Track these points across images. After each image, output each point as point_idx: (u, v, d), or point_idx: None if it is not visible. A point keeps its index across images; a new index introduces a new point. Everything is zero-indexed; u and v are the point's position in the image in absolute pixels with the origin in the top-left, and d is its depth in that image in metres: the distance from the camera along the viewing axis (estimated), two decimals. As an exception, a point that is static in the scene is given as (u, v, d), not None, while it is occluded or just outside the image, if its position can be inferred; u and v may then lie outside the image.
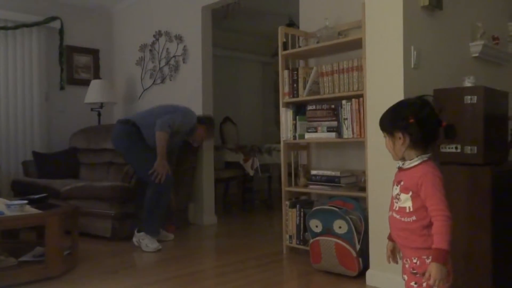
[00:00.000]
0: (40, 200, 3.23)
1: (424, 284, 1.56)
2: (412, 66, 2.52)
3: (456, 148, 2.36)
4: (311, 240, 2.92)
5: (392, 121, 1.65)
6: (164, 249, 3.59)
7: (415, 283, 1.59)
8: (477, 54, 3.05)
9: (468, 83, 2.54)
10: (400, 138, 1.61)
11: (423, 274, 1.54)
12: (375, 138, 2.60)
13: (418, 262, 1.58)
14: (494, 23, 3.30)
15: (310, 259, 2.94)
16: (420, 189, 1.57)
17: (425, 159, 1.61)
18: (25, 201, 2.96)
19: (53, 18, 5.26)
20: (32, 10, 5.13)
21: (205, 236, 4.16)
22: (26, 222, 2.88)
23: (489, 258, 2.25)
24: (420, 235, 1.59)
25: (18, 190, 4.54)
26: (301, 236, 3.25)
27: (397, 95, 2.48)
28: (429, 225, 1.57)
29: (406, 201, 1.61)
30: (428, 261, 1.55)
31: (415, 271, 1.59)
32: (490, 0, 3.30)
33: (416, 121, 1.57)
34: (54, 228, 2.80)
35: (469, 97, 2.33)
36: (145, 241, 3.57)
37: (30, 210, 2.92)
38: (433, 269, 1.49)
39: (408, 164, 1.63)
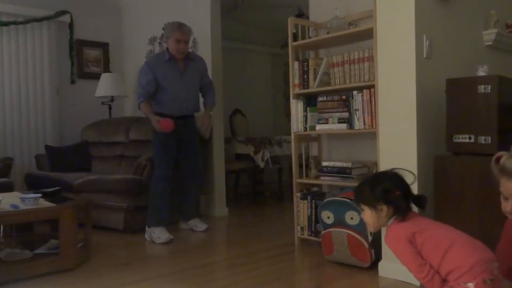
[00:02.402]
0: (54, 194, 3.27)
1: None
2: (425, 55, 2.49)
3: (470, 138, 2.34)
4: (323, 232, 2.92)
5: (376, 194, 1.69)
6: (176, 241, 3.61)
7: None
8: (490, 43, 3.01)
9: (481, 72, 2.51)
10: (382, 210, 1.67)
11: None
12: (387, 128, 2.59)
13: None
14: (507, 10, 3.25)
15: (322, 250, 2.95)
16: None
17: (390, 223, 1.69)
18: (39, 195, 3.00)
19: (63, 12, 5.28)
20: (42, 4, 5.15)
21: (216, 227, 4.18)
22: (40, 215, 2.92)
23: (503, 250, 2.23)
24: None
25: (31, 183, 4.60)
26: (313, 228, 3.25)
27: (409, 85, 2.46)
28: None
29: None
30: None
31: None
32: (503, -13, 3.24)
33: (402, 194, 1.66)
34: (68, 221, 2.84)
35: (482, 86, 2.31)
36: (156, 234, 3.61)
37: (44, 203, 2.96)
38: None
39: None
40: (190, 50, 4.00)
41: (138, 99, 3.77)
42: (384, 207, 1.67)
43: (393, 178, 1.70)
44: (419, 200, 1.69)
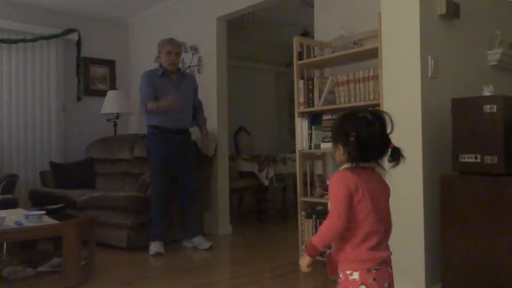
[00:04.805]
0: (58, 211, 3.27)
1: None
2: (430, 75, 2.50)
3: (476, 157, 2.33)
4: (328, 251, 2.88)
5: (335, 133, 1.60)
6: (180, 259, 3.59)
7: None
8: (495, 63, 3.02)
9: (487, 92, 2.51)
10: (338, 148, 1.57)
11: None
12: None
13: (342, 277, 1.55)
14: (512, 31, 3.26)
15: (327, 270, 2.91)
16: None
17: (344, 167, 1.55)
18: (43, 212, 2.99)
19: (71, 30, 5.36)
20: (50, 22, 5.23)
21: (220, 246, 4.15)
22: (44, 233, 2.91)
23: None
24: (337, 247, 1.58)
25: (36, 200, 4.59)
26: (317, 247, 3.21)
27: (415, 105, 2.46)
28: (344, 237, 1.54)
29: None
30: (351, 277, 1.51)
31: (338, 287, 1.57)
32: (508, 7, 3.26)
33: (356, 139, 1.50)
34: (72, 239, 2.82)
35: (488, 106, 2.30)
36: (151, 246, 3.74)
37: (48, 220, 2.95)
38: (301, 257, 1.63)
39: None
40: (186, 70, 4.07)
41: (142, 104, 3.84)
42: (340, 147, 1.56)
43: (358, 121, 1.54)
44: (392, 152, 1.52)
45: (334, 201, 1.52)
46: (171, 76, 3.93)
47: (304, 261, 1.60)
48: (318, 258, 3.22)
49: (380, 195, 1.57)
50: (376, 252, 1.52)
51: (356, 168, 1.54)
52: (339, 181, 1.52)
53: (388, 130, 1.54)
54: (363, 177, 1.54)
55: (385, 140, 1.53)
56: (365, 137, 1.50)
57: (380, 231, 1.54)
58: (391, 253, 1.57)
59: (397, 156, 1.52)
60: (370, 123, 1.52)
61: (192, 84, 4.08)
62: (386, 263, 1.55)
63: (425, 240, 2.43)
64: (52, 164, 4.89)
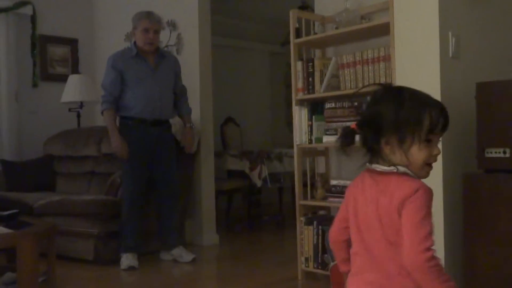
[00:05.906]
0: (11, 218, 3.25)
1: None
2: (451, 55, 2.51)
3: (504, 152, 2.35)
4: (332, 264, 2.90)
5: None
6: (157, 274, 3.59)
7: None
8: (529, 40, 3.04)
9: (517, 74, 2.53)
10: None
11: None
12: (407, 141, 2.59)
13: None
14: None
15: (330, 286, 2.93)
16: None
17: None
18: (-7, 219, 2.98)
19: (24, 3, 5.30)
20: (-1, -6, 5.18)
21: (204, 259, 4.16)
22: (-6, 243, 2.89)
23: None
24: None
25: (-16, 205, 4.57)
26: (319, 259, 3.24)
27: (433, 90, 2.46)
28: None
29: None
30: None
31: None
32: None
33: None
34: (27, 251, 2.81)
35: (519, 91, 2.32)
36: (122, 259, 3.72)
37: (-1, 229, 2.94)
38: None
39: None
40: (165, 48, 4.09)
41: (101, 104, 3.92)
42: None
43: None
44: None
45: None
46: (148, 58, 3.91)
47: None
48: (320, 271, 3.27)
49: (370, 208, 1.43)
50: (352, 279, 1.43)
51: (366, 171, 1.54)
52: None
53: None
54: (360, 184, 1.55)
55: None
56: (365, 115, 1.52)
57: (361, 253, 1.42)
58: None
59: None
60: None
61: (173, 66, 4.07)
62: None
63: (445, 249, 2.45)
64: (4, 162, 4.86)
